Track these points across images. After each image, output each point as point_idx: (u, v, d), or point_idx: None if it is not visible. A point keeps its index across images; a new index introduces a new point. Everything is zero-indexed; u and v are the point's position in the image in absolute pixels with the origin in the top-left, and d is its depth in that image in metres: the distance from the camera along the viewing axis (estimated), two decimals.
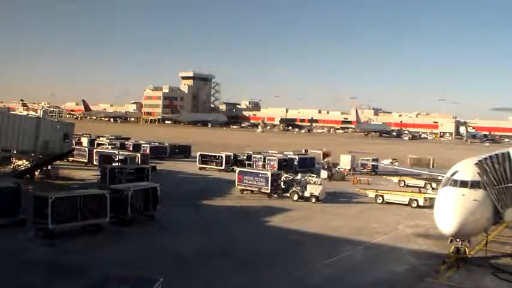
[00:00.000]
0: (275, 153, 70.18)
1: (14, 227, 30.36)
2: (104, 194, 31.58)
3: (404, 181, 57.37)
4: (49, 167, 52.59)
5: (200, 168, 65.61)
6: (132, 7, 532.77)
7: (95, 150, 67.10)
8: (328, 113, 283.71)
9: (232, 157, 66.60)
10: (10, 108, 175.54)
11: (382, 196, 45.94)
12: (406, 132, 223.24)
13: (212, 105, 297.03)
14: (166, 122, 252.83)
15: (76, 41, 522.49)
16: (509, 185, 26.96)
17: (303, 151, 79.50)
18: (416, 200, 44.21)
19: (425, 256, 28.59)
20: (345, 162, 68.71)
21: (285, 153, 71.83)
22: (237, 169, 51.47)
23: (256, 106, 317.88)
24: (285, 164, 61.81)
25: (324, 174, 59.66)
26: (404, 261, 27.56)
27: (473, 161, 28.37)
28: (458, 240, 26.69)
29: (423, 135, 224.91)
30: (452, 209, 25.68)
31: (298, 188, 45.36)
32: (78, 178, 53.12)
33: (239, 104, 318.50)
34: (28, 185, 41.96)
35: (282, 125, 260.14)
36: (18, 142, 45.09)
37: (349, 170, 67.42)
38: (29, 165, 49.30)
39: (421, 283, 24.02)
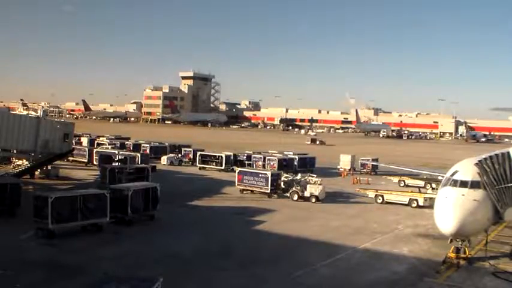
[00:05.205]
0: (275, 153, 70.17)
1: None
2: (104, 194, 31.59)
3: (404, 181, 57.35)
4: (49, 167, 52.60)
5: (200, 168, 65.57)
6: (132, 7, 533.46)
7: (95, 150, 67.12)
8: (328, 112, 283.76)
9: (232, 157, 66.61)
10: (10, 108, 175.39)
11: (382, 196, 45.93)
12: (406, 132, 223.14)
13: (212, 105, 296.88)
14: (166, 122, 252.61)
15: (76, 41, 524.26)
16: (509, 185, 26.96)
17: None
18: (416, 200, 44.20)
19: (425, 256, 28.59)
20: (344, 162, 68.74)
21: (285, 153, 71.83)
22: (237, 169, 51.48)
23: (256, 106, 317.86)
24: (285, 164, 61.79)
25: None
26: (404, 261, 27.56)
27: (473, 161, 28.34)
28: (458, 240, 26.68)
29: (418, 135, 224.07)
30: (452, 209, 25.65)
31: (298, 188, 45.34)
32: (76, 178, 53.21)
33: (239, 104, 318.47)
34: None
35: (282, 124, 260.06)
36: (18, 142, 45.02)
37: (349, 169, 67.47)
38: (28, 165, 49.22)
39: (421, 283, 24.01)
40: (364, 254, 28.78)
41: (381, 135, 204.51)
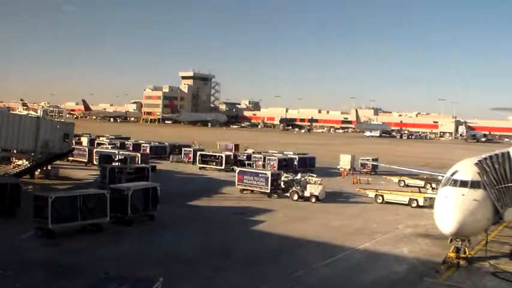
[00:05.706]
0: (275, 153, 70.19)
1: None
2: (104, 194, 31.58)
3: (404, 181, 57.36)
4: (49, 167, 52.59)
5: (200, 168, 65.56)
6: (132, 7, 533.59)
7: (95, 149, 67.10)
8: (328, 112, 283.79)
9: (232, 157, 66.59)
10: (10, 108, 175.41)
11: (382, 196, 45.91)
12: (406, 132, 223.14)
13: (212, 105, 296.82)
14: (166, 121, 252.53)
15: (76, 41, 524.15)
16: (509, 185, 26.97)
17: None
18: (416, 200, 44.18)
19: (425, 256, 28.59)
20: (344, 162, 68.72)
21: (284, 153, 71.82)
22: (237, 169, 51.48)
23: (256, 106, 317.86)
24: (284, 164, 61.79)
25: None
26: (404, 261, 27.55)
27: (473, 161, 28.33)
28: (458, 240, 26.67)
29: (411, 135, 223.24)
30: (452, 209, 25.65)
31: (298, 187, 45.33)
32: (76, 178, 53.18)
33: (239, 104, 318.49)
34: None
35: (282, 124, 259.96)
36: (18, 142, 45.02)
37: (349, 169, 67.44)
38: (28, 165, 49.21)
39: (421, 283, 24.00)
40: (364, 254, 28.77)
41: (368, 134, 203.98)
